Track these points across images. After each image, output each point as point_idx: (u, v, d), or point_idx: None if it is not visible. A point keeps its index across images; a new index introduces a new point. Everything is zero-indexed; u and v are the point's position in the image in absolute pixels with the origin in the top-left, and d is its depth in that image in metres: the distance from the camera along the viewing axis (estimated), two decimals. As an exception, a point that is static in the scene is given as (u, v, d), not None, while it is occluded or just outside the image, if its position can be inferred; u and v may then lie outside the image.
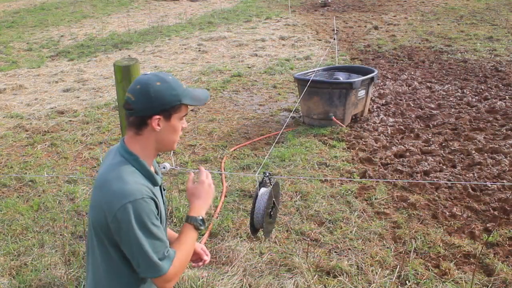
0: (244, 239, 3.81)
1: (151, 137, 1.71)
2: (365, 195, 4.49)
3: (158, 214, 1.68)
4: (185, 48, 11.37)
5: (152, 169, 1.80)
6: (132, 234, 1.59)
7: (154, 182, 1.74)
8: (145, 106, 1.65)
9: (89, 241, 1.76)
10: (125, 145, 1.73)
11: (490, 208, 4.16)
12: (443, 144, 5.53)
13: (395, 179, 4.71)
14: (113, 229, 1.62)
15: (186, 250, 1.74)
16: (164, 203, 1.86)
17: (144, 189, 1.63)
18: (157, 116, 1.67)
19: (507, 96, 7.09)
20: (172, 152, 5.53)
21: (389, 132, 5.97)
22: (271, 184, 2.72)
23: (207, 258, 2.05)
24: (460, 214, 4.10)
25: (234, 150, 5.64)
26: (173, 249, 1.69)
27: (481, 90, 7.43)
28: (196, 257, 2.05)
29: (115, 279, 1.71)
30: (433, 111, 6.59)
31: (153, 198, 1.65)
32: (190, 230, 1.76)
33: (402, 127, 6.11)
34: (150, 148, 1.73)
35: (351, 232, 3.88)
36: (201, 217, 1.79)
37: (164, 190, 1.95)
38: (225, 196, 4.51)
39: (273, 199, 2.68)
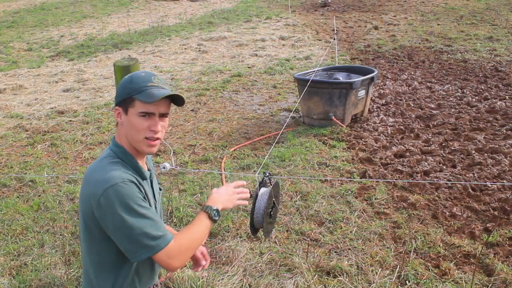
0: (244, 239, 3.81)
1: (121, 129, 1.77)
2: (365, 195, 4.49)
3: (144, 198, 1.68)
4: (185, 48, 11.37)
5: (142, 164, 1.82)
6: (117, 218, 1.59)
7: (141, 176, 1.75)
8: (115, 97, 1.78)
9: (80, 234, 1.78)
10: (114, 139, 1.80)
11: (490, 208, 4.16)
12: (443, 144, 5.53)
13: (395, 179, 4.71)
14: (98, 217, 1.63)
15: (195, 233, 1.73)
16: (156, 200, 1.86)
17: (124, 175, 1.64)
18: (117, 107, 1.76)
19: (507, 96, 7.09)
20: (172, 152, 5.53)
21: (389, 132, 5.97)
22: (271, 184, 2.72)
23: (205, 262, 2.05)
24: (460, 214, 4.10)
25: (234, 150, 5.64)
26: (171, 233, 1.69)
27: (481, 90, 7.43)
28: (195, 261, 2.05)
29: (102, 270, 1.72)
30: (433, 111, 6.59)
31: (135, 182, 1.65)
32: (203, 217, 1.77)
33: (402, 127, 6.11)
34: (125, 141, 1.77)
35: (351, 232, 3.87)
36: (216, 207, 1.79)
37: (160, 190, 1.96)
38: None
39: (273, 199, 2.68)
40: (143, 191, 1.69)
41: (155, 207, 1.82)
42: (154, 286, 1.88)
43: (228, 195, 1.88)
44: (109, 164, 1.69)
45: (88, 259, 1.75)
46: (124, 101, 1.72)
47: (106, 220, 1.62)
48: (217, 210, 1.79)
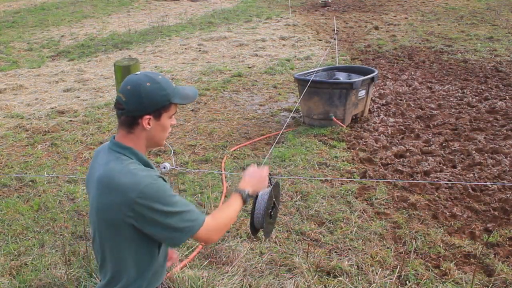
0: (244, 239, 3.81)
1: (142, 135, 1.76)
2: (365, 195, 4.49)
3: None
4: (186, 48, 11.37)
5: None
6: (158, 213, 1.65)
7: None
8: (136, 106, 1.71)
9: (100, 242, 1.78)
10: (117, 142, 1.77)
11: (491, 209, 4.15)
12: (444, 144, 5.53)
13: (395, 179, 4.71)
14: (134, 220, 1.65)
15: (230, 212, 1.87)
16: None
17: (151, 172, 1.71)
18: (148, 116, 1.73)
19: (507, 96, 7.09)
20: (172, 152, 5.53)
21: (389, 132, 5.97)
22: (271, 184, 2.72)
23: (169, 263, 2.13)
24: (460, 214, 4.09)
25: (235, 150, 5.64)
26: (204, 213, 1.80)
27: (481, 90, 7.42)
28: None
29: (137, 271, 1.77)
30: (433, 111, 6.59)
31: (161, 176, 1.72)
32: (237, 198, 1.91)
33: (402, 127, 6.11)
34: (141, 146, 1.79)
35: (351, 232, 3.87)
36: (247, 191, 1.94)
37: None
38: (225, 196, 4.51)
39: (274, 199, 2.68)
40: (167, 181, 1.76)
41: None
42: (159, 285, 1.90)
43: (260, 179, 2.04)
44: (129, 165, 1.70)
45: (114, 267, 1.77)
46: (163, 107, 1.74)
47: (144, 219, 1.66)
48: (248, 194, 1.94)
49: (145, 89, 1.70)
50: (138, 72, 1.78)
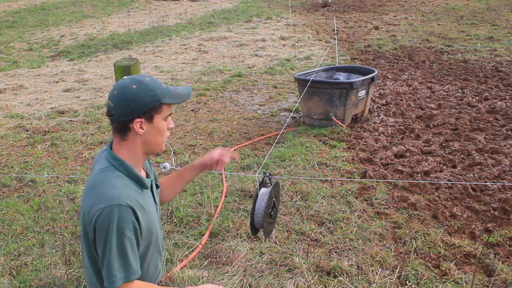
0: (244, 239, 3.81)
1: (136, 140, 1.70)
2: (366, 195, 4.49)
3: (138, 226, 1.65)
4: (186, 48, 11.37)
5: (142, 172, 1.80)
6: (106, 237, 1.59)
7: (142, 185, 1.74)
8: (124, 110, 1.64)
9: (81, 242, 1.79)
10: (111, 151, 1.73)
11: (491, 209, 4.15)
12: (444, 144, 5.53)
13: (395, 179, 4.71)
14: (93, 232, 1.63)
15: None
16: (156, 203, 1.86)
17: (126, 198, 1.62)
18: (138, 119, 1.66)
19: (507, 97, 7.09)
20: (172, 152, 5.53)
21: (390, 132, 5.97)
22: (271, 184, 2.72)
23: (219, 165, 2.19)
24: (460, 214, 4.09)
25: (235, 150, 5.64)
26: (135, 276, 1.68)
27: (481, 90, 7.42)
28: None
29: (98, 282, 1.74)
30: (433, 111, 6.59)
31: (132, 207, 1.62)
32: None
33: (402, 127, 6.11)
34: (138, 152, 1.72)
35: (351, 232, 3.87)
36: None
37: (158, 187, 1.95)
38: (225, 196, 4.51)
39: (274, 199, 2.68)
40: (139, 215, 1.66)
41: (156, 210, 1.83)
42: (158, 282, 1.90)
43: None
44: (111, 179, 1.66)
45: (87, 267, 1.76)
46: (152, 109, 1.67)
47: (97, 235, 1.62)
48: None
49: (131, 92, 1.64)
50: (125, 77, 1.73)
